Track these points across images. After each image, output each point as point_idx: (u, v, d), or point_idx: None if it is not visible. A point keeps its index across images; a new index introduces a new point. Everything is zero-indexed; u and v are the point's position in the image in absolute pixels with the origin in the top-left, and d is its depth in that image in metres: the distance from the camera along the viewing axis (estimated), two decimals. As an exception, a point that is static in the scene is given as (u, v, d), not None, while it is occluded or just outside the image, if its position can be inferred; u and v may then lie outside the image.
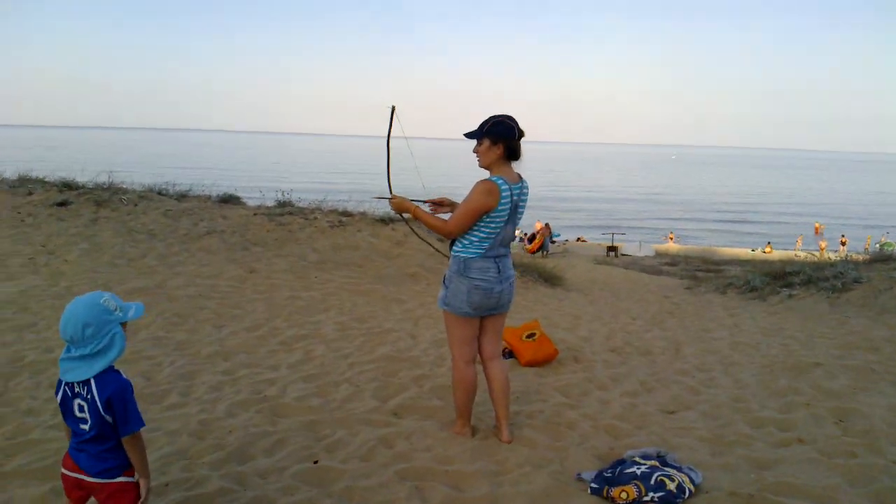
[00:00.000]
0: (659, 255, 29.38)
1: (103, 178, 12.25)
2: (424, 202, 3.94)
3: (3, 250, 8.11)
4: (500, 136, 3.56)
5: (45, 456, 3.48)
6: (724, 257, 28.00)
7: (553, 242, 28.66)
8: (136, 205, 10.87)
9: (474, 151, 3.65)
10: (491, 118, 3.61)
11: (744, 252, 32.26)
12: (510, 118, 3.60)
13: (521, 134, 3.61)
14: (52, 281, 7.10)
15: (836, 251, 25.59)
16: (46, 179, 12.11)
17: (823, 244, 33.41)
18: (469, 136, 3.65)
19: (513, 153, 3.61)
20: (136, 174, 15.49)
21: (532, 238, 26.54)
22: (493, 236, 3.59)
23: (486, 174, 3.64)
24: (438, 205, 3.95)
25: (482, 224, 3.56)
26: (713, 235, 42.68)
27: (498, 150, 3.57)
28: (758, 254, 31.08)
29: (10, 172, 12.75)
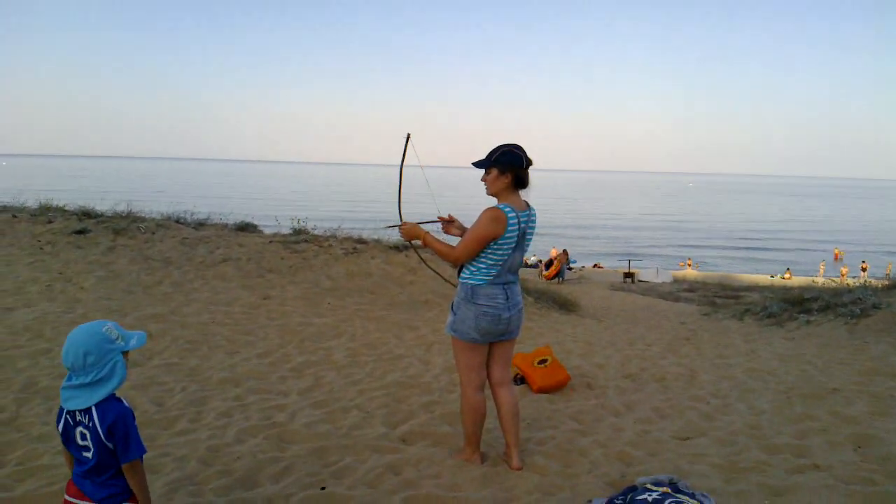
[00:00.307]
0: (677, 281, 29.12)
1: (122, 207, 12.43)
2: (436, 220, 3.97)
3: (21, 277, 8.21)
4: (508, 165, 3.58)
5: (53, 482, 3.48)
6: (742, 283, 27.71)
7: (570, 269, 28.54)
8: (153, 233, 10.99)
9: (482, 180, 3.67)
10: (499, 147, 3.63)
11: (763, 278, 31.92)
12: (518, 147, 3.62)
13: (529, 163, 3.63)
14: (67, 308, 7.17)
15: (856, 277, 25.27)
16: (66, 208, 12.30)
17: (845, 270, 33.02)
18: (477, 165, 3.68)
19: (520, 182, 3.63)
20: (154, 203, 15.68)
21: (549, 264, 26.48)
22: (500, 263, 3.59)
23: (493, 202, 3.66)
24: (449, 222, 3.97)
25: (490, 251, 3.57)
26: (732, 262, 42.32)
27: (506, 179, 3.59)
28: (777, 280, 30.74)
29: (32, 201, 12.96)
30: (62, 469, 3.61)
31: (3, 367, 5.35)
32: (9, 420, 4.34)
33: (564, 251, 27.40)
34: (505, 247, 3.56)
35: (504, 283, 3.65)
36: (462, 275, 3.69)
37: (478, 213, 3.57)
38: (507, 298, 3.66)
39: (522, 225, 3.60)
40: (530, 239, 3.74)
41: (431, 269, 5.03)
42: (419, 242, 3.84)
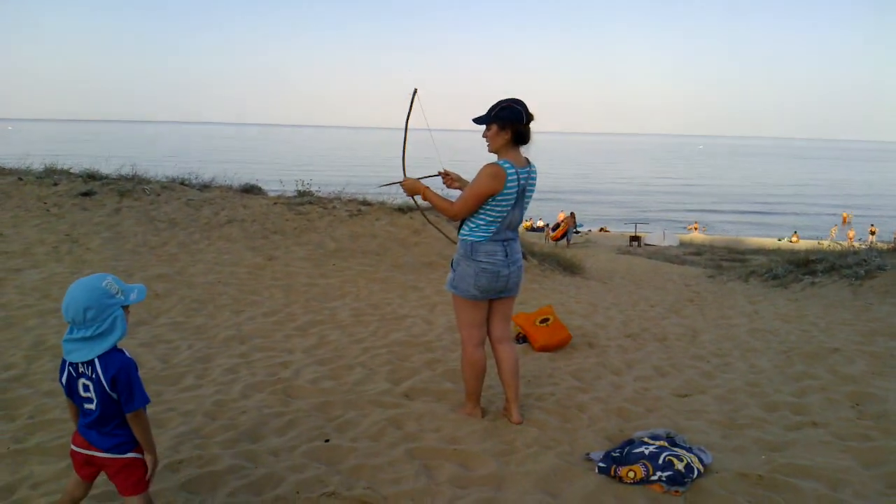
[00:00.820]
0: (683, 244, 29.07)
1: (127, 170, 12.44)
2: (437, 174, 3.97)
3: (28, 239, 8.26)
4: (507, 121, 3.55)
5: (62, 434, 3.56)
6: (750, 247, 27.66)
7: (577, 233, 28.49)
8: (158, 195, 11.01)
9: (483, 136, 3.66)
10: (499, 102, 3.60)
11: (770, 241, 31.82)
12: (518, 102, 3.59)
13: (530, 118, 3.59)
14: (74, 268, 7.23)
15: (864, 241, 25.17)
16: (72, 171, 12.31)
17: (851, 234, 32.87)
18: (477, 121, 3.65)
19: (521, 137, 3.61)
20: (161, 166, 15.66)
21: (557, 227, 26.46)
22: (500, 220, 3.59)
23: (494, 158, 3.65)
24: (449, 177, 3.97)
25: (489, 208, 3.56)
26: (740, 226, 42.14)
27: (506, 135, 3.57)
28: (784, 243, 30.64)
29: (38, 164, 12.97)
30: (71, 423, 3.68)
31: (13, 325, 5.43)
32: (19, 376, 4.42)
33: (572, 214, 27.32)
34: (504, 203, 3.56)
35: (503, 240, 3.66)
36: (461, 231, 3.70)
37: (463, 175, 3.57)
38: (507, 255, 3.67)
39: (522, 181, 3.59)
40: (530, 196, 3.73)
41: (437, 228, 5.04)
42: (420, 197, 3.85)
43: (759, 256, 19.38)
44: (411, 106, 3.88)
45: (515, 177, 3.54)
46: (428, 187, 3.80)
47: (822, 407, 4.26)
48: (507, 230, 3.66)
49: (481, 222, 3.61)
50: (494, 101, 3.63)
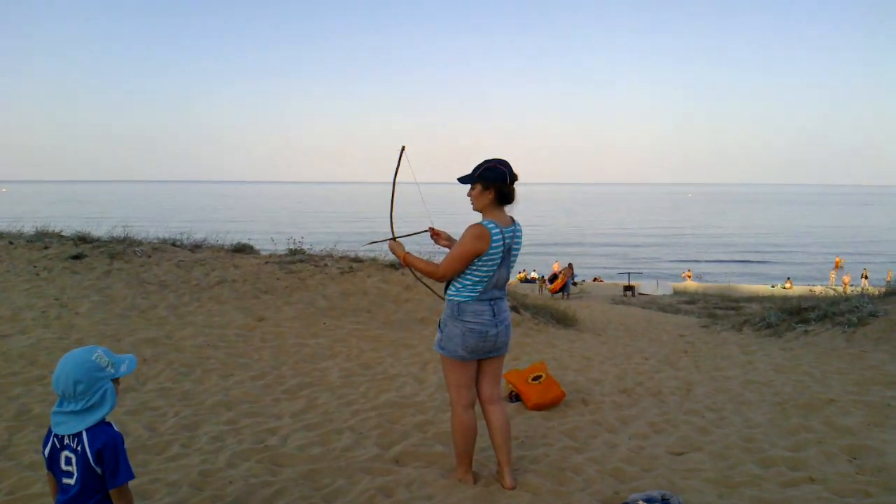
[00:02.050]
0: (677, 293, 29.10)
1: (119, 231, 12.44)
2: (425, 230, 3.99)
3: (17, 304, 8.19)
4: (491, 181, 3.58)
5: (43, 511, 3.47)
6: (743, 294, 27.70)
7: (574, 284, 28.40)
8: (149, 256, 11.00)
9: (468, 195, 3.68)
10: (484, 163, 3.64)
11: (763, 288, 31.91)
12: (503, 163, 3.62)
13: (514, 178, 3.62)
14: (62, 334, 7.15)
15: (856, 286, 25.24)
16: (63, 233, 12.31)
17: (847, 279, 32.99)
18: (462, 180, 3.69)
19: (505, 197, 3.63)
20: (152, 226, 15.70)
21: (553, 278, 26.37)
22: (486, 279, 3.59)
23: (479, 217, 3.67)
24: (437, 234, 4.00)
25: (475, 268, 3.57)
26: (733, 273, 42.27)
27: (490, 195, 3.60)
28: (778, 290, 30.72)
29: (30, 227, 12.97)
30: (51, 498, 3.59)
31: (-3, 394, 5.34)
32: (1, 448, 4.32)
33: (570, 265, 27.26)
34: (490, 263, 3.56)
35: (491, 300, 3.65)
36: (448, 292, 3.69)
37: (455, 229, 3.59)
38: (494, 315, 3.65)
39: (507, 241, 3.59)
40: (516, 254, 3.73)
41: (425, 283, 5.02)
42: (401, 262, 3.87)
43: (753, 304, 19.41)
44: (399, 163, 3.91)
45: (500, 237, 3.55)
46: (408, 253, 3.80)
47: (819, 461, 4.19)
48: (493, 289, 3.65)
49: (468, 282, 3.60)
50: (479, 161, 3.67)
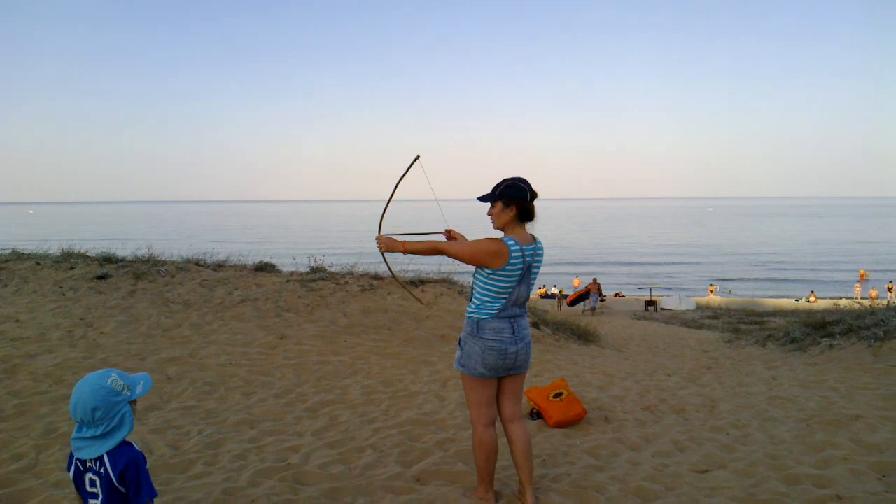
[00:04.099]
0: (700, 308, 28.84)
1: (143, 251, 12.60)
2: (442, 232, 4.00)
3: (44, 324, 8.32)
4: (512, 199, 3.60)
5: (69, 529, 3.51)
6: (767, 308, 27.40)
7: (602, 300, 27.95)
8: (173, 276, 11.12)
9: (488, 213, 3.70)
10: (504, 181, 3.66)
11: (787, 302, 31.51)
12: (523, 180, 3.65)
13: (534, 195, 3.65)
14: (88, 353, 7.25)
15: (883, 299, 24.85)
16: (88, 254, 12.49)
17: (874, 292, 32.51)
18: (482, 199, 3.70)
19: (526, 215, 3.65)
20: (175, 246, 15.88)
21: (581, 296, 25.90)
22: (505, 296, 3.59)
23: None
24: (453, 239, 4.00)
25: (493, 283, 3.57)
26: (757, 287, 41.80)
27: (511, 212, 3.62)
28: (802, 303, 30.32)
29: (56, 248, 13.18)
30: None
31: (25, 413, 5.42)
32: (28, 467, 4.38)
33: (594, 280, 26.85)
34: (509, 280, 3.57)
35: (510, 317, 3.65)
36: (468, 309, 3.70)
37: None
38: (514, 332, 3.65)
39: (528, 259, 3.60)
40: (537, 272, 3.73)
41: (406, 289, 5.00)
42: (402, 253, 3.80)
43: (777, 318, 19.17)
44: (408, 169, 3.94)
45: (520, 254, 3.56)
46: (405, 241, 3.77)
47: (846, 479, 4.13)
48: (513, 307, 3.65)
49: (487, 299, 3.61)
50: (499, 180, 3.70)
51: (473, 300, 3.67)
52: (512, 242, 3.55)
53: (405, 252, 3.74)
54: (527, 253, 3.59)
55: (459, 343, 3.75)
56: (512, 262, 3.53)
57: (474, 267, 3.67)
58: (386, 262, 4.20)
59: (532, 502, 3.79)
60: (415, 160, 3.93)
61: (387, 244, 3.82)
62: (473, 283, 3.71)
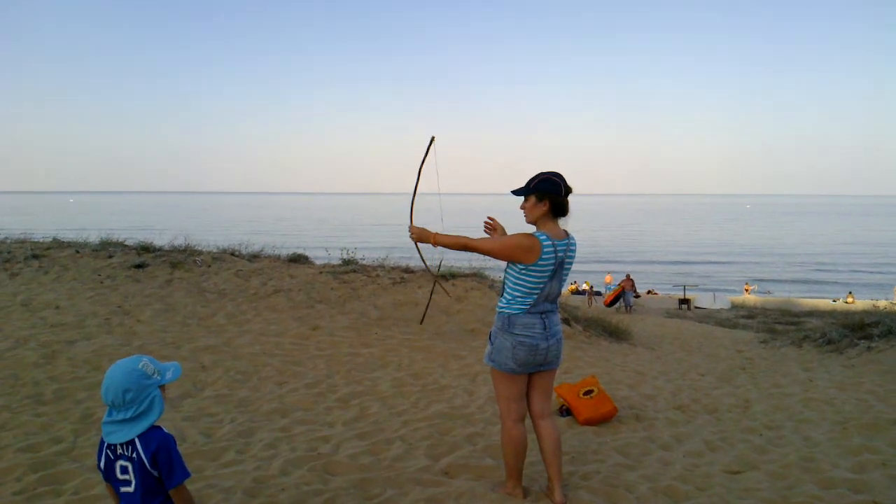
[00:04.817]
0: (735, 307, 28.40)
1: (180, 241, 12.80)
2: (485, 222, 3.99)
3: (82, 311, 8.51)
4: (546, 193, 3.58)
5: (106, 512, 3.59)
6: (803, 309, 26.88)
7: (637, 297, 27.44)
8: (209, 266, 11.28)
9: (521, 207, 3.68)
10: (538, 175, 3.65)
11: (825, 303, 30.88)
12: (557, 175, 3.63)
13: (569, 190, 3.63)
14: (125, 340, 7.40)
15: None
16: (126, 243, 12.72)
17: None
18: (516, 192, 3.69)
19: (559, 210, 3.63)
20: (211, 236, 16.10)
21: (617, 295, 25.49)
22: (537, 292, 3.58)
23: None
24: (493, 229, 4.00)
25: (525, 278, 3.56)
26: (793, 286, 41.01)
27: (544, 207, 3.60)
28: (839, 304, 29.69)
29: (94, 237, 13.45)
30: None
31: (63, 398, 5.55)
32: (66, 450, 4.49)
33: (628, 276, 26.30)
34: (541, 275, 3.55)
35: (541, 313, 3.63)
36: (499, 304, 3.69)
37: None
38: (545, 328, 3.63)
39: (560, 254, 3.58)
40: (569, 268, 3.70)
41: (435, 279, 4.99)
42: (432, 244, 3.78)
43: (813, 319, 18.83)
44: (426, 153, 3.92)
45: (552, 249, 3.54)
46: (437, 232, 3.73)
47: (884, 485, 4.04)
48: (545, 302, 3.64)
49: (518, 294, 3.60)
50: (534, 174, 3.68)
51: (504, 295, 3.66)
52: (544, 237, 3.54)
53: (435, 244, 3.71)
54: (559, 248, 3.57)
55: (490, 338, 3.75)
56: (544, 257, 3.52)
57: (506, 262, 3.66)
58: (420, 252, 4.18)
59: (560, 499, 3.78)
60: (431, 142, 3.92)
61: (419, 234, 3.81)
62: (505, 277, 3.70)
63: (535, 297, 3.59)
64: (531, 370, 3.70)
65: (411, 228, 3.84)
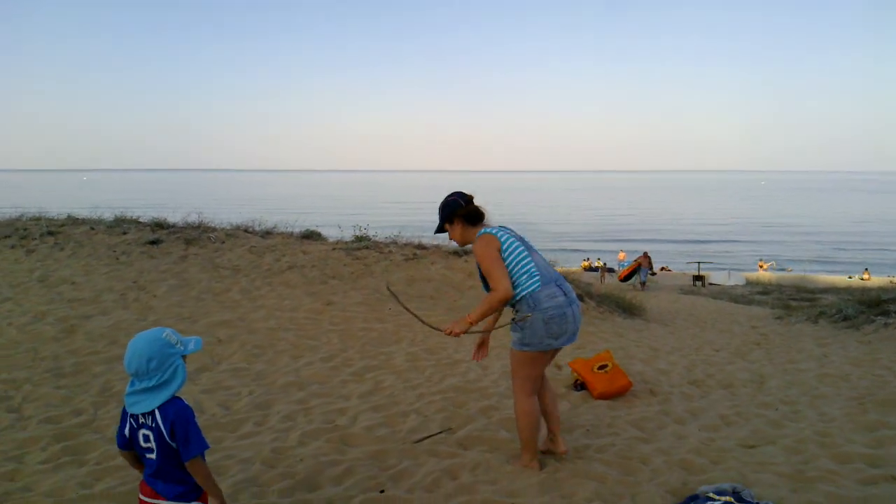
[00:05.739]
0: (750, 283, 28.27)
1: (193, 218, 12.86)
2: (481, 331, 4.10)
3: (98, 287, 8.58)
4: (452, 215, 3.82)
5: (127, 481, 3.64)
6: (819, 285, 26.71)
7: (653, 274, 27.23)
8: (223, 242, 11.33)
9: (450, 239, 3.91)
10: (439, 208, 3.86)
11: (840, 279, 30.66)
12: (451, 194, 3.88)
13: (468, 198, 3.84)
14: (141, 315, 7.46)
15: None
16: (140, 220, 12.80)
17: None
18: (437, 232, 3.95)
19: (473, 217, 3.83)
20: (225, 213, 16.17)
21: (632, 271, 25.34)
22: (531, 267, 3.68)
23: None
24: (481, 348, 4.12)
25: (512, 262, 3.67)
26: (809, 263, 40.70)
27: (459, 224, 3.83)
28: (855, 281, 29.46)
29: (109, 214, 13.54)
30: (136, 470, 3.77)
31: (82, 372, 5.62)
32: (87, 422, 4.56)
33: (645, 254, 26.07)
34: (518, 252, 3.69)
35: (555, 281, 3.73)
36: (516, 296, 3.67)
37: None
38: (565, 294, 3.72)
39: (510, 233, 3.79)
40: (531, 245, 3.86)
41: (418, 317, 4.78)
42: (478, 325, 3.80)
43: (829, 296, 18.71)
44: (397, 299, 4.06)
45: (502, 231, 3.76)
46: (468, 317, 3.63)
47: (900, 459, 4.03)
48: (548, 272, 3.75)
49: (522, 277, 3.66)
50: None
51: (515, 287, 3.65)
52: (486, 229, 3.75)
53: (472, 322, 3.63)
54: (505, 231, 3.78)
55: (513, 328, 3.74)
56: (502, 238, 3.69)
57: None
58: (411, 311, 4.15)
59: (564, 447, 3.96)
60: (389, 290, 4.17)
61: (460, 327, 3.66)
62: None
63: (536, 272, 3.68)
64: (564, 342, 3.73)
65: (450, 331, 3.67)
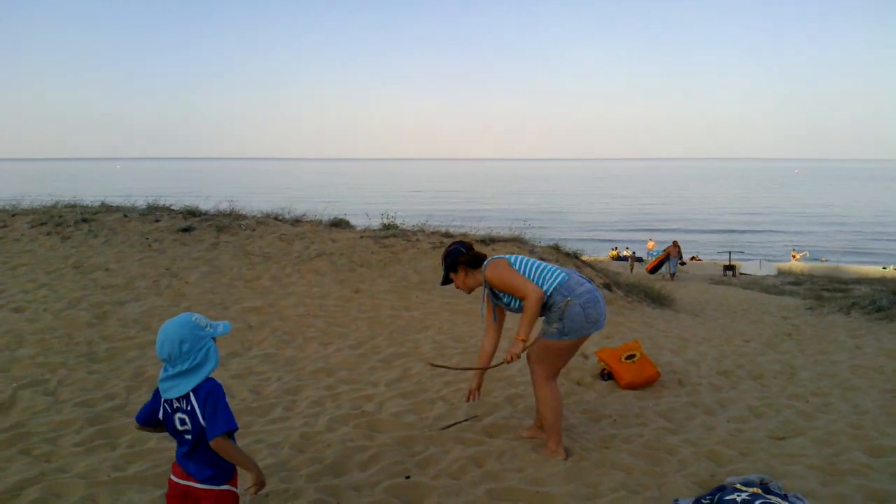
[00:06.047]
0: (782, 273, 27.82)
1: (224, 206, 12.99)
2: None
3: (131, 273, 8.73)
4: (456, 263, 3.98)
5: (159, 464, 3.72)
6: (852, 276, 26.20)
7: (683, 264, 26.77)
8: (253, 230, 11.45)
9: (457, 288, 4.06)
10: (442, 260, 4.08)
11: (874, 270, 30.04)
12: (452, 244, 4.05)
13: (469, 245, 4.04)
14: (173, 301, 7.58)
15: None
16: (173, 207, 12.97)
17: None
18: (444, 283, 4.13)
19: (474, 263, 3.97)
20: (255, 201, 16.30)
21: (661, 262, 24.94)
22: (549, 266, 3.89)
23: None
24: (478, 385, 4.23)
25: (530, 271, 3.83)
26: (842, 253, 39.92)
27: (463, 271, 3.99)
28: (890, 271, 28.84)
29: (142, 201, 13.73)
30: (166, 452, 3.86)
31: (115, 357, 5.74)
32: (120, 406, 4.66)
33: (674, 242, 25.57)
34: (531, 261, 3.90)
35: (575, 273, 3.90)
36: (547, 295, 3.76)
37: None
38: (591, 281, 3.90)
39: (510, 255, 3.96)
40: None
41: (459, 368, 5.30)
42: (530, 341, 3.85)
43: (862, 286, 18.36)
44: (446, 367, 4.69)
45: (504, 255, 3.94)
46: (516, 337, 3.75)
47: (935, 454, 3.97)
48: (564, 268, 3.94)
49: (546, 275, 3.82)
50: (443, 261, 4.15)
51: (545, 289, 3.76)
52: (493, 257, 3.94)
53: (525, 339, 3.74)
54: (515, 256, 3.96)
55: (547, 321, 3.84)
56: (508, 258, 3.90)
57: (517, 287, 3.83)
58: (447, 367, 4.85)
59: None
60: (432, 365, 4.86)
61: (516, 349, 3.73)
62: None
63: (554, 268, 3.86)
64: (597, 328, 3.84)
65: (510, 358, 3.73)
